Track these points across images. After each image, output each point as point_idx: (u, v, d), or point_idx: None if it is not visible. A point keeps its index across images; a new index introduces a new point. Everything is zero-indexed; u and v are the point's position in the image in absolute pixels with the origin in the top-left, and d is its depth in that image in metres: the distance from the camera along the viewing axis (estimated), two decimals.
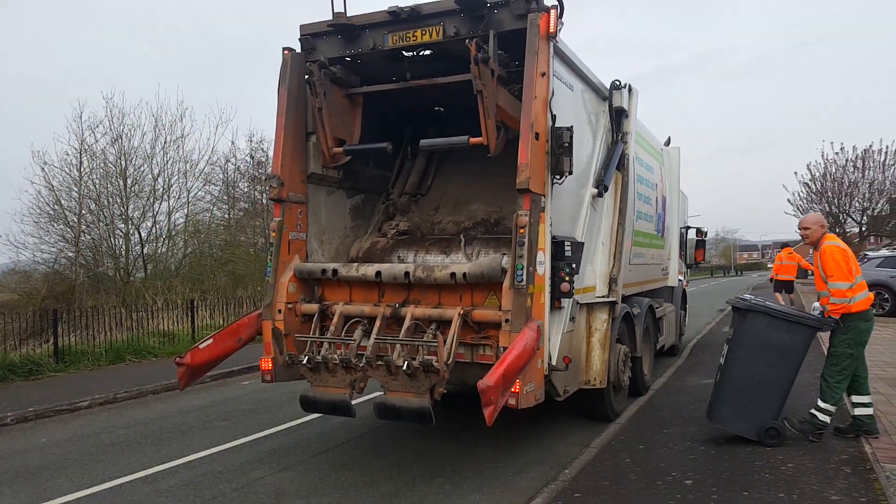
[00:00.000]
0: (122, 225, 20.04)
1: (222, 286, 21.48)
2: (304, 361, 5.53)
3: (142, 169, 20.49)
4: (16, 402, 8.79)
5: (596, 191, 6.80)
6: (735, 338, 5.90)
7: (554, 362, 5.68)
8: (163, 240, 21.59)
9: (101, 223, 19.86)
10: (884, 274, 17.82)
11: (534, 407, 5.87)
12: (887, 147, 39.25)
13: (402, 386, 5.15)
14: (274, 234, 6.23)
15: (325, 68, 6.22)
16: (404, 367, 5.07)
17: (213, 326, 15.12)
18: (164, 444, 6.91)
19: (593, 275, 6.88)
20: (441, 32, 5.80)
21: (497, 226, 6.98)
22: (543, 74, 5.40)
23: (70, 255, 19.35)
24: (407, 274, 5.73)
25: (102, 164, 19.84)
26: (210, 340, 6.06)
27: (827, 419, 5.86)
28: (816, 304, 6.19)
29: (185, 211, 22.65)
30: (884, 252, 23.46)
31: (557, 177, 5.62)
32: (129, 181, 20.06)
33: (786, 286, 18.56)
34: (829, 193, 41.35)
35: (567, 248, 5.70)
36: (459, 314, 5.42)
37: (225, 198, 25.99)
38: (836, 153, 40.93)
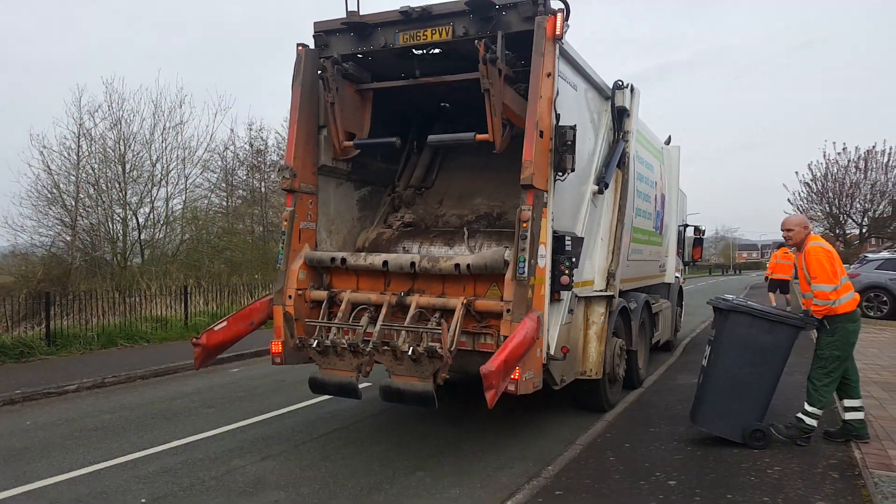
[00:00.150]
0: (121, 210, 20.05)
1: (218, 273, 21.45)
2: (314, 345, 5.81)
3: (140, 155, 20.48)
4: (4, 384, 8.77)
5: (597, 188, 6.98)
6: (717, 338, 5.83)
7: (552, 352, 5.88)
8: (160, 226, 21.58)
9: (99, 208, 19.84)
10: (883, 276, 17.74)
11: (521, 402, 6.13)
12: (890, 148, 39.05)
13: (407, 370, 5.39)
14: (286, 224, 6.45)
15: (338, 64, 6.41)
16: (409, 353, 5.29)
17: (207, 313, 15.11)
18: (148, 429, 6.87)
19: (592, 269, 7.06)
20: (451, 32, 5.98)
21: (499, 219, 7.15)
22: (549, 75, 5.57)
23: (67, 238, 19.35)
24: (413, 264, 5.95)
25: (101, 149, 19.83)
26: (224, 323, 6.32)
27: (814, 423, 5.78)
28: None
29: (183, 197, 22.60)
30: (884, 254, 23.34)
31: (560, 174, 5.78)
32: (127, 166, 20.05)
33: (781, 286, 18.47)
34: (830, 194, 41.20)
35: (567, 242, 5.89)
36: (463, 303, 5.64)
37: (223, 185, 25.96)
38: (839, 153, 40.77)
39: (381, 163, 7.71)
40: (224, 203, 26.19)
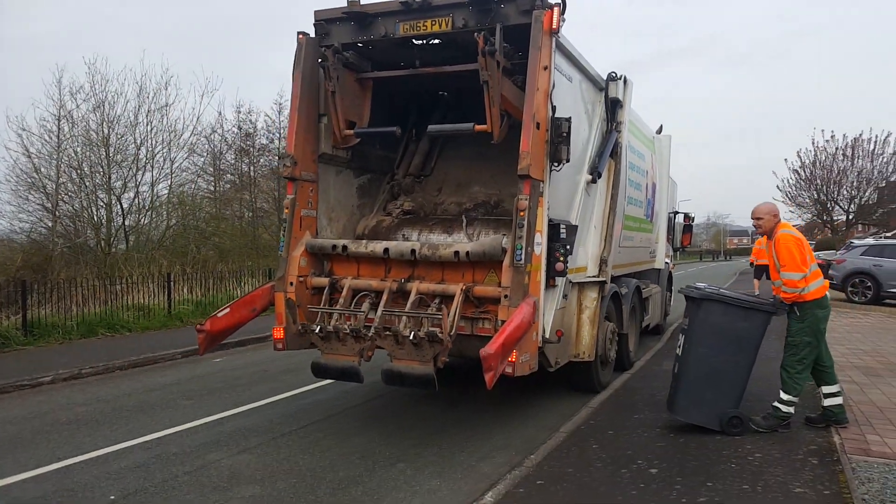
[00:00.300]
0: (104, 195, 19.73)
1: (205, 260, 21.26)
2: (317, 331, 5.90)
3: (124, 138, 20.15)
4: None
5: (590, 177, 7.17)
6: (691, 328, 5.79)
7: (547, 335, 6.07)
8: (145, 211, 21.30)
9: (82, 192, 19.53)
10: (867, 262, 17.83)
11: (508, 389, 6.60)
12: (876, 136, 39.38)
13: (408, 354, 5.52)
14: (287, 211, 6.55)
15: (339, 53, 6.50)
16: (411, 337, 5.43)
17: (191, 301, 14.95)
18: (122, 423, 6.71)
19: (585, 256, 7.29)
20: (450, 23, 6.09)
21: (497, 207, 7.34)
22: (546, 68, 5.72)
23: (48, 224, 19.05)
24: (413, 251, 6.10)
25: (84, 132, 19.50)
26: (227, 309, 6.42)
27: (791, 410, 5.79)
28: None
29: (169, 182, 22.33)
30: (868, 241, 23.47)
31: (556, 164, 5.96)
32: (111, 150, 19.72)
33: (766, 271, 18.51)
34: (818, 181, 41.47)
35: (562, 230, 6.07)
36: (462, 290, 5.80)
37: (210, 169, 25.67)
38: (827, 141, 40.99)
39: (380, 151, 7.79)
40: (212, 188, 25.93)
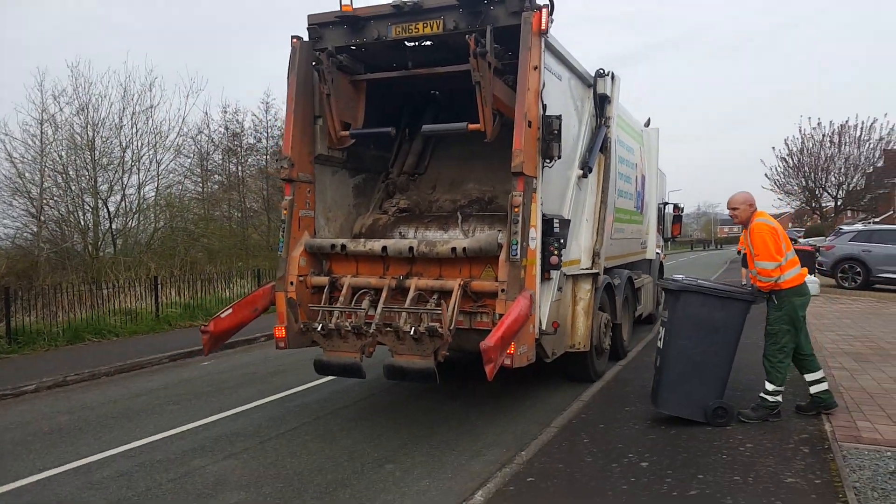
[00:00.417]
0: (91, 199, 19.53)
1: (194, 262, 21.11)
2: (319, 329, 6.03)
3: (109, 141, 19.95)
4: None
5: (581, 172, 7.37)
6: (671, 320, 5.75)
7: (544, 327, 6.25)
8: (133, 214, 21.11)
9: (67, 197, 19.32)
10: (856, 248, 17.90)
11: (496, 385, 6.63)
12: (863, 123, 39.51)
13: (409, 349, 5.64)
14: (285, 212, 6.67)
15: (333, 57, 6.62)
16: (411, 333, 5.54)
17: (179, 304, 14.79)
18: (106, 430, 6.59)
19: (578, 249, 7.47)
20: (441, 26, 6.24)
21: (491, 204, 7.48)
22: (536, 68, 5.89)
23: (34, 229, 18.84)
24: (411, 249, 6.22)
25: (68, 136, 19.28)
26: (230, 310, 6.58)
27: (779, 399, 5.77)
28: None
29: (156, 184, 22.16)
30: (857, 226, 23.55)
31: (548, 161, 6.13)
32: (96, 153, 19.50)
33: None
34: (806, 168, 41.61)
35: (556, 225, 6.26)
36: (460, 285, 5.95)
37: (198, 170, 25.49)
38: (814, 128, 41.13)
39: (374, 151, 7.90)
40: (200, 189, 25.75)
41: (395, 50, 6.78)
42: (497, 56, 6.12)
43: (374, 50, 6.82)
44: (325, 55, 6.57)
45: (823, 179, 41.65)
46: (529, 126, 5.82)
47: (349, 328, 5.93)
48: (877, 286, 17.56)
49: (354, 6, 6.50)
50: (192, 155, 24.58)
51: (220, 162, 26.50)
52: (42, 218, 18.81)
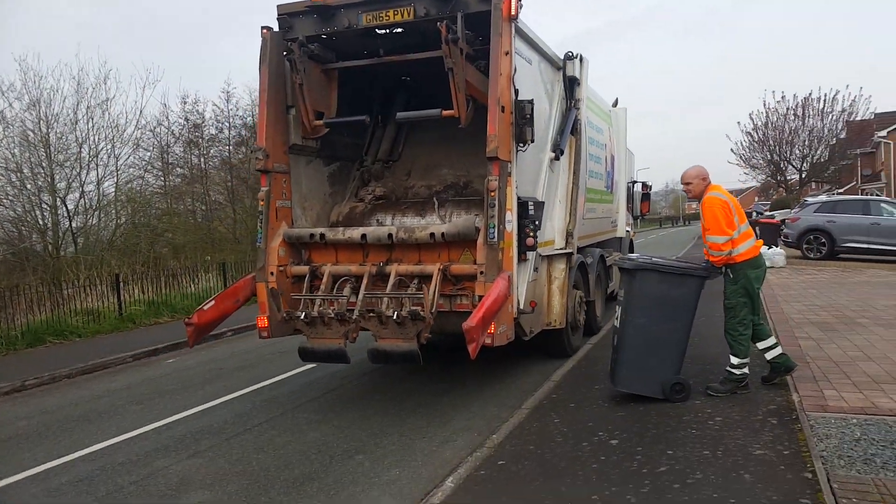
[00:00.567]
0: (48, 197, 18.96)
1: (159, 258, 20.68)
2: (302, 317, 6.12)
3: (65, 137, 19.37)
4: None
5: (553, 154, 7.48)
6: (627, 299, 5.72)
7: (522, 307, 6.40)
8: (93, 211, 20.57)
9: (23, 196, 18.73)
10: (821, 219, 18.16)
11: (467, 370, 7.11)
12: (825, 95, 40.06)
13: (392, 333, 5.80)
14: (262, 203, 6.71)
15: (304, 46, 6.62)
16: (394, 317, 5.72)
17: (143, 301, 14.45)
18: (66, 434, 6.37)
19: (552, 230, 7.64)
20: (412, 13, 6.27)
21: (466, 188, 7.59)
22: (507, 53, 5.97)
23: None
24: (390, 235, 6.36)
25: (20, 133, 18.66)
26: (212, 302, 6.68)
27: (745, 371, 5.79)
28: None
29: (116, 179, 21.61)
30: (821, 198, 23.95)
31: (521, 145, 6.26)
32: (52, 150, 18.92)
33: None
34: (771, 142, 42.14)
35: (530, 207, 6.36)
36: (439, 269, 6.08)
37: (158, 164, 24.94)
38: (778, 102, 41.63)
39: (347, 138, 7.94)
40: (161, 183, 25.21)
41: (366, 38, 6.78)
42: (468, 42, 6.16)
43: (345, 38, 6.81)
44: (296, 45, 6.55)
45: (788, 152, 42.25)
46: (503, 111, 5.89)
47: (332, 315, 6.02)
48: (841, 256, 17.87)
49: None
50: (151, 148, 24.06)
51: (182, 154, 25.91)
52: None
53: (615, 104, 11.80)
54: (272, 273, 6.59)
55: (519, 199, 6.23)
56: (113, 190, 21.48)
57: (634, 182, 14.57)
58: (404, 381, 7.54)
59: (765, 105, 43.42)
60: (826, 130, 41.01)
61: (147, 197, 23.81)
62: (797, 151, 42.08)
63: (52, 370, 9.06)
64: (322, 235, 6.64)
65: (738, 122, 67.05)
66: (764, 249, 16.15)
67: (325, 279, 6.52)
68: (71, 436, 6.33)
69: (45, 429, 6.64)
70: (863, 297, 10.70)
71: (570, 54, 8.00)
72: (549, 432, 5.24)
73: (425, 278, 6.17)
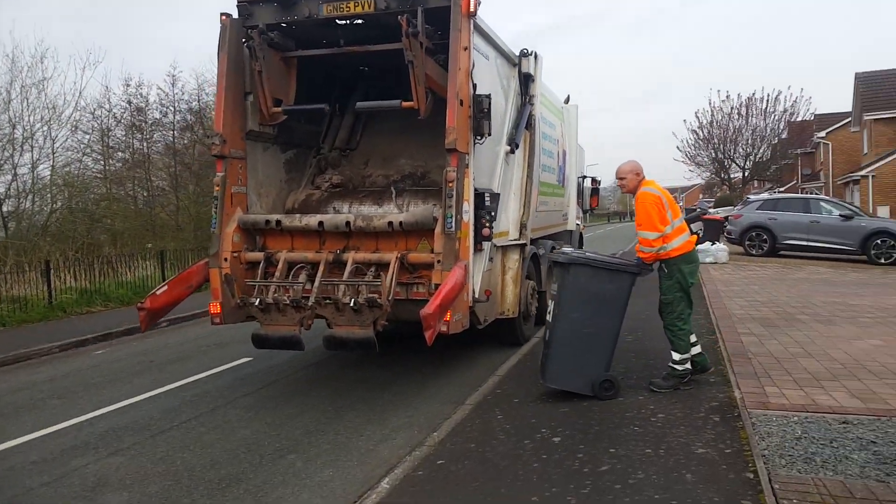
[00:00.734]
0: None
1: (96, 244, 19.83)
2: (256, 303, 6.12)
3: None
4: None
5: (509, 148, 7.63)
6: (560, 293, 5.60)
7: (477, 295, 6.50)
8: (26, 195, 19.56)
9: None
10: (763, 216, 18.56)
11: (409, 364, 7.27)
12: (768, 95, 41.22)
13: (349, 320, 5.87)
14: (218, 188, 6.68)
15: (264, 34, 6.64)
16: (351, 304, 5.77)
17: (76, 289, 13.78)
18: None
19: (507, 221, 7.76)
20: (373, 5, 6.33)
21: (423, 178, 7.72)
22: (466, 48, 6.10)
23: None
24: (348, 223, 6.41)
25: None
26: (165, 287, 6.67)
27: (688, 367, 5.75)
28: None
29: (52, 162, 20.63)
30: (764, 195, 24.54)
31: (479, 138, 6.39)
32: None
33: None
34: (715, 140, 43.19)
35: (487, 198, 6.52)
36: (397, 257, 6.16)
37: (98, 147, 23.92)
38: (723, 101, 42.65)
39: (305, 126, 7.96)
40: (101, 167, 24.19)
41: (327, 28, 6.86)
42: (428, 36, 6.28)
43: (305, 27, 6.86)
44: (256, 32, 6.58)
45: (732, 151, 43.38)
46: (461, 104, 6.02)
47: (287, 302, 6.04)
48: (782, 252, 18.31)
49: None
50: (91, 131, 23.11)
51: (124, 138, 24.93)
52: None
53: (567, 101, 11.97)
54: (226, 259, 6.55)
55: (476, 190, 6.33)
56: (49, 173, 20.56)
57: (584, 177, 14.87)
58: (344, 376, 7.30)
59: (710, 104, 44.65)
60: (768, 130, 42.27)
61: (85, 181, 22.88)
62: (741, 150, 43.27)
63: None
64: (278, 222, 6.64)
65: (685, 120, 68.59)
66: (707, 245, 16.61)
67: (280, 266, 6.49)
68: None
69: None
70: (802, 294, 10.92)
71: (526, 51, 8.13)
72: (492, 429, 5.09)
73: (382, 266, 6.21)
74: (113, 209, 23.03)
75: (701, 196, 73.31)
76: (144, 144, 25.27)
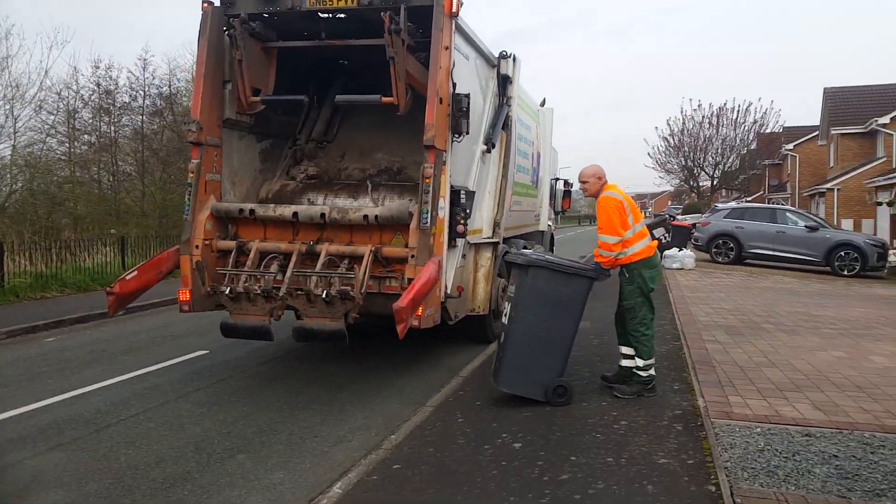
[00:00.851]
0: None
1: (56, 228, 19.25)
2: (227, 292, 6.10)
3: None
4: None
5: (485, 147, 7.69)
6: (518, 295, 5.49)
7: (449, 291, 6.52)
8: None
9: None
10: (730, 224, 18.75)
11: (369, 364, 7.18)
12: (739, 106, 41.85)
13: (320, 312, 5.92)
14: (192, 175, 6.64)
15: (246, 23, 6.63)
16: (323, 296, 5.82)
17: (31, 273, 13.29)
18: None
19: (481, 219, 7.79)
20: (356, 0, 6.36)
21: (400, 174, 7.78)
22: (447, 48, 6.17)
23: None
24: (323, 215, 6.43)
25: None
26: (135, 272, 6.61)
27: (652, 373, 5.69)
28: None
29: (13, 142, 19.98)
30: (731, 204, 24.82)
31: (457, 136, 6.46)
32: None
33: None
34: (686, 148, 43.74)
35: (462, 196, 6.56)
36: (371, 251, 6.15)
37: (63, 129, 23.25)
38: (695, 110, 43.19)
39: (282, 116, 7.95)
40: (66, 149, 23.51)
41: (309, 20, 6.88)
42: (410, 34, 6.35)
43: (287, 19, 6.87)
44: (237, 21, 6.59)
45: (701, 159, 43.94)
46: (441, 102, 6.09)
47: (258, 291, 6.04)
48: (748, 261, 18.52)
49: None
50: (56, 112, 22.49)
51: (91, 121, 24.30)
52: None
53: (543, 104, 12.09)
54: (197, 246, 6.51)
55: (452, 187, 6.40)
56: (10, 153, 19.92)
57: (557, 179, 14.98)
58: (302, 373, 7.09)
59: (682, 112, 45.06)
60: (738, 140, 42.94)
61: (49, 163, 22.25)
62: (710, 159, 43.85)
63: None
64: (252, 211, 6.63)
65: (657, 127, 69.32)
66: (675, 251, 16.71)
67: (252, 255, 6.45)
68: None
69: None
70: (767, 303, 10.99)
71: (505, 53, 8.20)
72: (452, 433, 4.95)
73: (356, 259, 6.22)
74: (76, 193, 22.46)
75: (670, 203, 74.19)
76: (112, 128, 24.72)
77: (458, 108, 6.36)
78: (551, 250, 14.33)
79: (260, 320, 6.05)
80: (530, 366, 5.45)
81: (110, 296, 6.40)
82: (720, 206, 23.36)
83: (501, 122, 8.11)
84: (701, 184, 47.05)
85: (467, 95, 6.45)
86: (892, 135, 26.50)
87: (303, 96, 7.40)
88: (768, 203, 36.76)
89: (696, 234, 19.70)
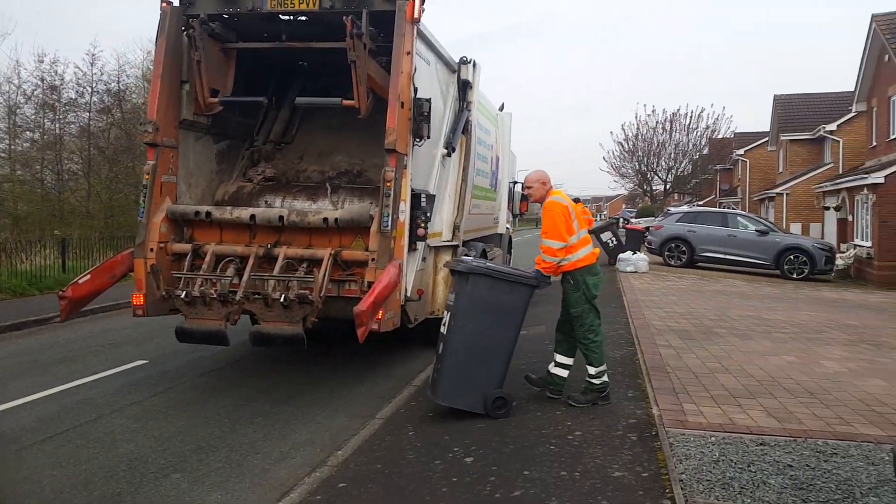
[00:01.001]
0: None
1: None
2: (182, 296, 5.98)
3: None
4: None
5: (445, 151, 7.71)
6: (458, 304, 5.28)
7: (409, 294, 6.51)
8: None
9: None
10: (682, 228, 19.00)
11: (315, 374, 7.00)
12: (692, 112, 42.70)
13: (277, 316, 5.85)
14: (147, 177, 6.55)
15: (205, 24, 6.59)
16: (281, 300, 5.75)
17: None
18: None
19: (441, 222, 7.77)
20: (318, 3, 6.38)
21: (360, 177, 7.72)
22: (408, 53, 6.21)
23: None
24: (281, 218, 6.37)
25: None
26: (88, 276, 6.48)
27: (605, 380, 5.58)
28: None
29: None
30: (683, 208, 25.23)
31: (418, 140, 6.49)
32: None
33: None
34: (640, 153, 44.43)
35: (423, 199, 6.56)
36: (331, 254, 6.14)
37: (4, 125, 22.32)
38: (648, 115, 43.92)
39: (240, 117, 7.88)
40: (5, 146, 22.56)
41: (270, 22, 6.85)
42: (372, 38, 6.38)
43: (248, 20, 6.84)
44: (197, 22, 6.53)
45: (655, 164, 44.70)
46: (402, 107, 6.14)
47: (214, 296, 5.94)
48: (700, 264, 18.78)
49: None
50: None
51: (34, 117, 23.40)
52: None
53: (501, 108, 12.14)
54: (152, 249, 6.41)
55: (413, 191, 6.41)
56: None
57: (515, 182, 15.07)
58: (246, 384, 6.80)
59: (636, 117, 45.81)
60: (690, 145, 43.81)
61: None
62: (663, 163, 44.64)
63: None
64: (208, 213, 6.54)
65: (612, 132, 70.48)
66: (629, 255, 16.82)
67: (207, 258, 6.35)
68: None
69: None
70: (719, 307, 11.08)
71: (465, 59, 8.27)
72: (402, 448, 4.76)
73: (315, 262, 6.18)
74: (16, 192, 21.55)
75: (624, 206, 75.32)
76: (57, 125, 23.86)
77: (420, 113, 6.37)
78: (509, 252, 14.45)
79: (216, 325, 5.94)
80: (470, 377, 5.25)
81: (63, 300, 6.27)
82: (673, 210, 23.69)
83: (461, 126, 8.13)
84: (654, 188, 47.85)
85: (428, 100, 6.46)
86: (839, 141, 27.28)
87: (262, 98, 7.35)
88: (720, 207, 37.55)
89: (649, 237, 19.90)
